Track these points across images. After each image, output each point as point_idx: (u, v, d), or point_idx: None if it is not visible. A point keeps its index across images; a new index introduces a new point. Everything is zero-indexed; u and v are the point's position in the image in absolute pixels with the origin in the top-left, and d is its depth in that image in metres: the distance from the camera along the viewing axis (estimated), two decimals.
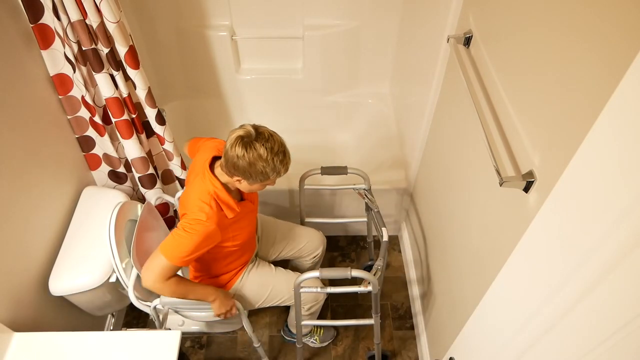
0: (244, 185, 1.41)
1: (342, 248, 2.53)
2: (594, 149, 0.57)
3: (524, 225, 1.02)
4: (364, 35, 2.36)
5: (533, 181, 0.98)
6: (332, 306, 2.30)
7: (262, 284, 1.74)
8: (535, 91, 0.99)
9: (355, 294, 2.32)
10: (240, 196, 1.57)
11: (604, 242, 0.55)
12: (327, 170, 1.84)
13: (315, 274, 1.47)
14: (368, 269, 2.33)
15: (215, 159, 1.50)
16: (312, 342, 2.13)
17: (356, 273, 1.46)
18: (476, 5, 1.36)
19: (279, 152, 1.34)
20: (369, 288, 1.52)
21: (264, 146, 1.31)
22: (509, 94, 1.12)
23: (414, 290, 2.28)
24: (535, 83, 0.99)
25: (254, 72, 2.53)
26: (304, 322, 1.75)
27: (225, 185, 1.44)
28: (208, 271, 1.69)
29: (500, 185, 1.00)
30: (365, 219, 2.09)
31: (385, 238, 1.67)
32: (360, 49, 2.43)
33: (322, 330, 2.14)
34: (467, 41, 1.40)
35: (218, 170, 1.45)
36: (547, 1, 0.94)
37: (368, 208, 1.96)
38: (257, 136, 1.31)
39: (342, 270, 1.47)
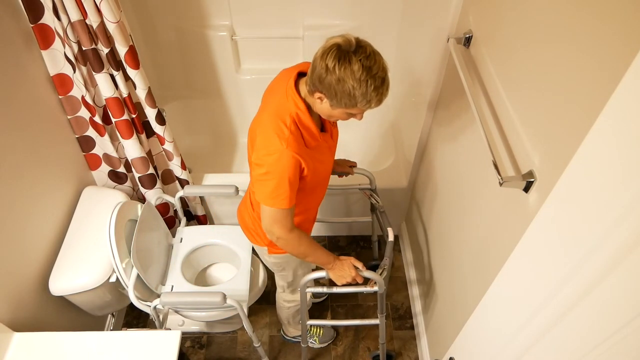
0: (324, 107, 1.19)
1: (342, 248, 2.53)
2: (594, 148, 0.57)
3: (524, 225, 1.03)
4: (364, 35, 2.33)
5: (533, 181, 0.98)
6: (332, 306, 2.30)
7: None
8: (535, 91, 0.99)
9: (355, 294, 2.32)
10: (321, 127, 1.36)
11: (604, 242, 0.55)
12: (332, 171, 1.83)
13: (322, 274, 1.46)
14: (372, 268, 2.33)
15: (300, 76, 1.27)
16: (311, 342, 2.12)
17: (363, 273, 1.45)
18: (476, 6, 1.36)
19: (377, 77, 1.10)
20: (375, 288, 1.51)
21: (361, 62, 1.07)
22: (509, 93, 1.12)
23: (414, 290, 2.28)
24: (535, 83, 0.99)
25: (254, 72, 2.53)
26: (309, 322, 1.74)
27: (309, 108, 1.24)
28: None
29: (500, 185, 1.00)
30: (370, 219, 2.09)
31: (390, 238, 1.67)
32: None
33: (321, 331, 2.13)
34: (467, 41, 1.40)
35: (302, 87, 1.23)
36: (547, 1, 0.94)
37: (373, 208, 1.96)
38: (357, 49, 1.09)
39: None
